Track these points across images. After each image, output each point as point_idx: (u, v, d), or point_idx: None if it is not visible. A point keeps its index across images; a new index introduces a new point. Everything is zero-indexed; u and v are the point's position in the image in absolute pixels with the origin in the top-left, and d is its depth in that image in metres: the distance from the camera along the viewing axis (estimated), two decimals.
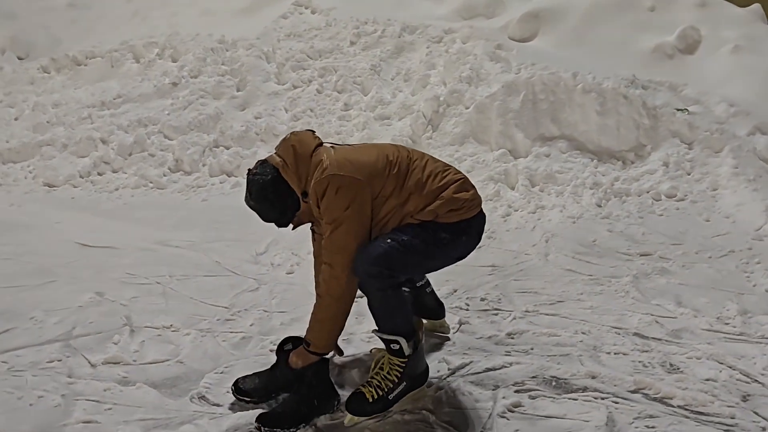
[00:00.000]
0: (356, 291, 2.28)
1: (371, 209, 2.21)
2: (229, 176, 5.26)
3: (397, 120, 5.47)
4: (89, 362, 2.64)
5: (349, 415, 2.26)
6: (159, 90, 6.39)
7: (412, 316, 2.35)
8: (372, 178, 2.21)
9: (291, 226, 2.41)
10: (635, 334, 2.80)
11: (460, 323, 2.90)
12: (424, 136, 5.23)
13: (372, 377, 2.31)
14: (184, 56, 6.92)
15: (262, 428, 2.17)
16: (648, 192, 4.51)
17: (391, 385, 2.28)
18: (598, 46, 6.09)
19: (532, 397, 2.35)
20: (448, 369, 2.54)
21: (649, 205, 4.39)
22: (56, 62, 7.58)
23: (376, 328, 2.30)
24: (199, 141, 5.57)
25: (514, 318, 2.95)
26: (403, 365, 2.29)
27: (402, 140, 5.09)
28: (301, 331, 2.39)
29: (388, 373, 2.30)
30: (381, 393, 2.27)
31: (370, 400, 2.26)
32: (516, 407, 2.29)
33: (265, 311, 3.07)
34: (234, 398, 2.36)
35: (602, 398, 2.34)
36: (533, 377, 2.47)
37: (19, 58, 8.98)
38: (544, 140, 5.07)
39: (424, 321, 2.80)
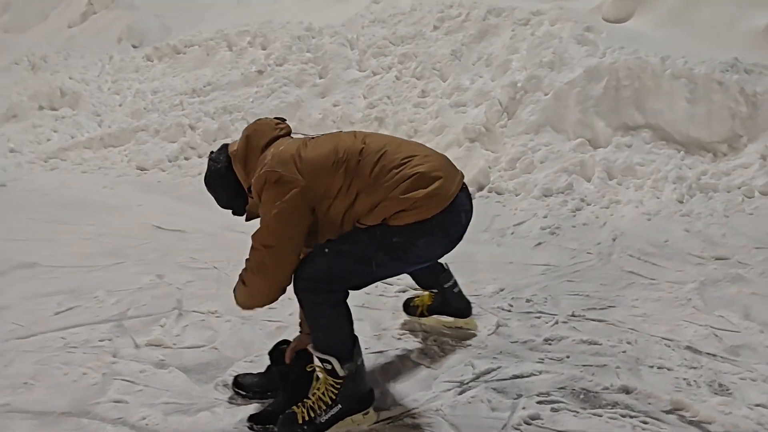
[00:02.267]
0: (273, 294, 2.14)
1: (314, 212, 2.08)
2: None
3: (473, 107, 5.33)
4: (134, 343, 2.79)
5: None
6: (246, 78, 6.61)
7: (350, 335, 2.13)
8: (315, 176, 2.04)
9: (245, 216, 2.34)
10: (687, 347, 2.56)
11: (498, 325, 2.79)
12: (498, 124, 5.05)
13: (309, 396, 2.20)
14: (273, 44, 7.10)
15: (254, 427, 2.21)
16: (739, 188, 4.11)
17: (324, 407, 2.14)
18: (699, 26, 5.61)
19: (554, 410, 2.22)
20: (473, 373, 2.45)
21: (738, 203, 4.00)
22: (159, 51, 8.02)
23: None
24: None
25: (556, 323, 2.79)
26: (338, 386, 2.13)
27: (475, 129, 4.96)
28: None
29: (323, 393, 2.14)
30: (312, 415, 2.13)
31: (300, 421, 2.13)
32: (533, 419, 2.17)
33: None
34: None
35: (631, 416, 2.17)
36: (561, 388, 2.33)
37: (134, 47, 9.62)
38: (627, 129, 4.75)
39: (451, 318, 2.75)
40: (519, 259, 3.47)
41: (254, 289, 2.13)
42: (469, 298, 2.78)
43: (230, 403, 2.37)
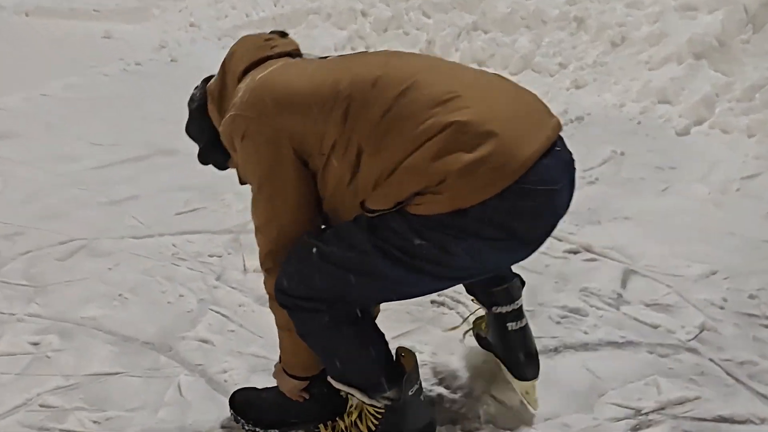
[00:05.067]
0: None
1: (310, 174, 1.39)
2: (480, 65, 4.59)
3: (706, 13, 4.12)
4: (244, 266, 2.41)
5: None
6: None
7: (374, 362, 1.47)
8: (299, 119, 1.33)
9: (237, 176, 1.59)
10: None
11: (702, 328, 2.00)
12: (739, 38, 3.85)
13: (342, 417, 1.61)
14: None
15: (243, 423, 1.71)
16: None
17: None
18: None
19: None
20: (656, 400, 1.74)
21: None
22: None
23: None
24: (458, 21, 4.94)
25: None
26: (380, 415, 1.51)
27: (705, 41, 3.83)
28: None
29: (359, 419, 1.55)
30: None
31: None
32: None
33: None
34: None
35: None
36: None
37: None
38: None
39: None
40: (745, 230, 2.53)
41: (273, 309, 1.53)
42: (664, 278, 2.00)
43: None
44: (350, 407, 1.61)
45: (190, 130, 1.65)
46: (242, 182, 1.54)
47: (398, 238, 1.28)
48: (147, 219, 2.77)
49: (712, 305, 2.11)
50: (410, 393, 1.49)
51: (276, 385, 1.67)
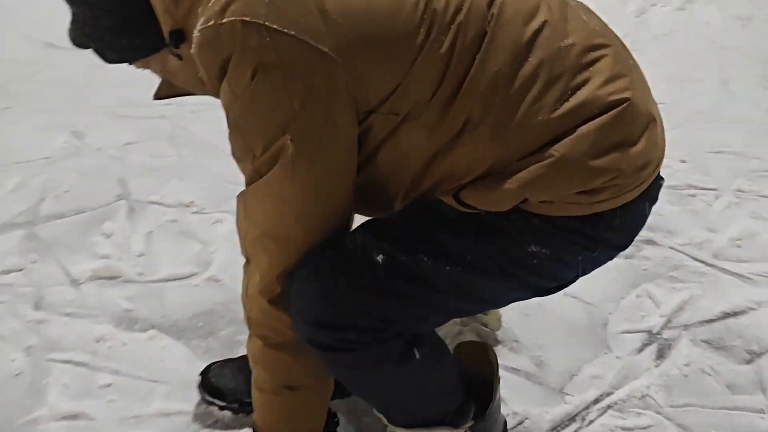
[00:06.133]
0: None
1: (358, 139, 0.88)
2: None
3: None
4: (68, 274, 1.63)
5: None
6: None
7: (450, 388, 1.06)
8: (362, 47, 0.80)
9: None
10: None
11: None
12: None
13: None
14: None
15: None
16: None
17: None
18: None
19: None
20: None
21: None
22: None
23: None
24: None
25: None
26: None
27: None
28: None
29: None
30: None
31: None
32: None
33: None
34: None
35: None
36: None
37: None
38: None
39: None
40: None
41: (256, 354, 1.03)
42: None
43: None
44: None
45: None
46: (160, 96, 1.03)
47: (509, 242, 0.89)
48: None
49: None
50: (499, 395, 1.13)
51: None
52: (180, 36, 0.86)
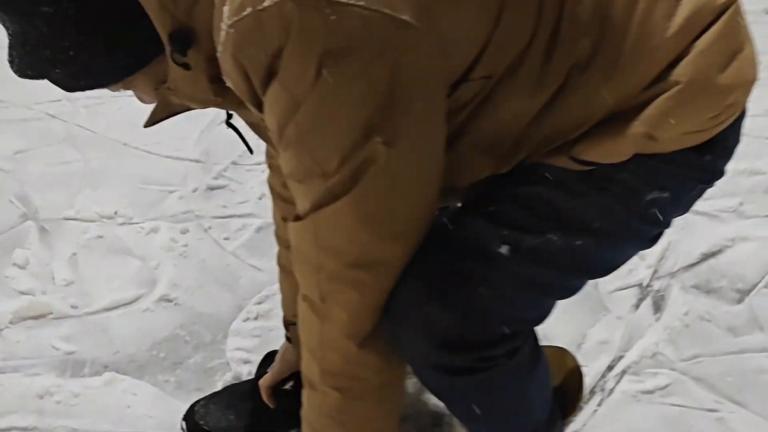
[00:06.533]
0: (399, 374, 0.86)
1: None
2: None
3: None
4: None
5: None
6: None
7: (541, 406, 0.96)
8: (452, 10, 0.64)
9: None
10: None
11: None
12: None
13: None
14: None
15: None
16: None
17: None
18: None
19: None
20: None
21: None
22: None
23: None
24: None
25: None
26: None
27: None
28: None
29: None
30: None
31: None
32: None
33: None
34: None
35: None
36: None
37: None
38: None
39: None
40: None
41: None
42: None
43: None
44: None
45: None
46: (151, 122, 0.82)
47: (630, 195, 0.76)
48: None
49: None
50: None
51: None
52: (186, 37, 0.65)
